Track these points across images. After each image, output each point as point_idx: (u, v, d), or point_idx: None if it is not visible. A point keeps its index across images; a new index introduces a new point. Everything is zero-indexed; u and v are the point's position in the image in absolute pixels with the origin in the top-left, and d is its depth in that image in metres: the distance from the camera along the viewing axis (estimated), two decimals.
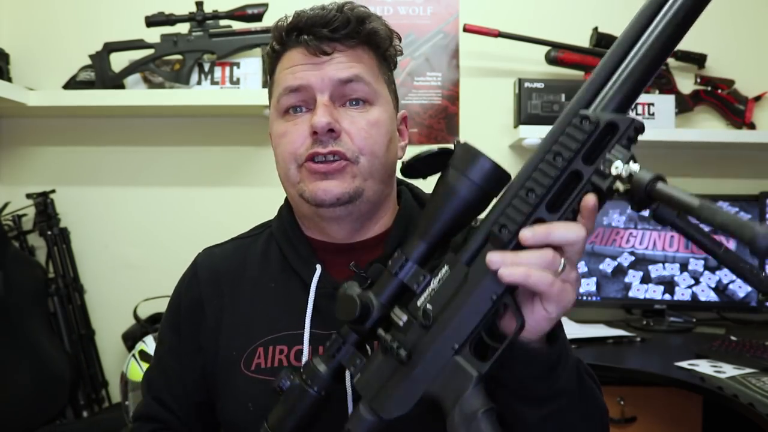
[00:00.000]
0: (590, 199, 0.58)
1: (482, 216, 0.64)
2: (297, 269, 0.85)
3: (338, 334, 0.69)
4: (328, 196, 0.78)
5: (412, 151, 0.66)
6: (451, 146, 0.64)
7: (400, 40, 0.87)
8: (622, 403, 1.59)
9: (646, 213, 0.57)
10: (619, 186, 0.57)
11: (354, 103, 0.80)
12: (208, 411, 0.91)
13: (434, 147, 0.65)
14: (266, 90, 1.88)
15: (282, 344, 0.83)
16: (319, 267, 0.84)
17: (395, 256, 0.66)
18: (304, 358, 0.80)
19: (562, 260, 0.59)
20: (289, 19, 0.83)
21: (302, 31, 0.80)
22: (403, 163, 0.66)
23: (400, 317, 0.64)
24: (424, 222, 0.65)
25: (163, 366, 0.92)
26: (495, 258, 0.59)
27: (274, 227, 0.92)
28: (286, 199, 0.94)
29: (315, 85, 0.79)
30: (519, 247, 0.59)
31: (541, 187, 0.59)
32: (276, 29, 0.84)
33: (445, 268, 0.63)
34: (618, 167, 0.57)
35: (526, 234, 0.58)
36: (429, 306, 0.63)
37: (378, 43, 0.83)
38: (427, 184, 0.94)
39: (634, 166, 0.56)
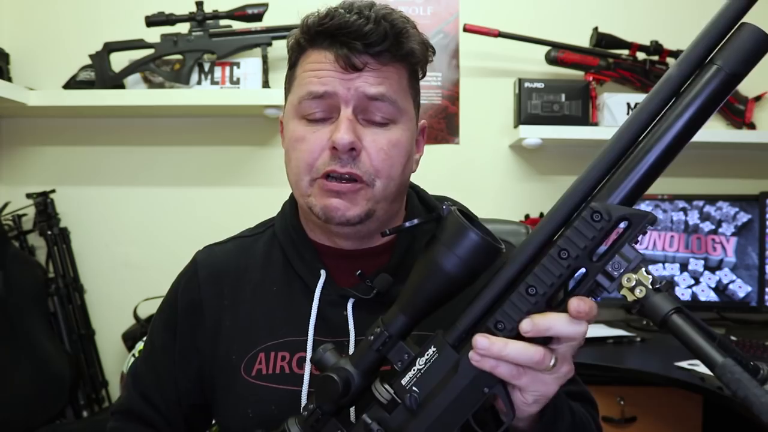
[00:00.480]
0: (584, 306, 0.55)
1: (473, 292, 0.61)
2: (301, 274, 0.83)
3: (316, 406, 0.65)
4: (338, 215, 0.76)
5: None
6: (440, 212, 0.61)
7: (434, 51, 0.83)
8: (622, 403, 1.59)
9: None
10: (626, 294, 0.54)
11: (378, 121, 0.77)
12: (197, 414, 0.89)
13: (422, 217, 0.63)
14: (266, 90, 1.90)
15: (284, 351, 0.81)
16: (323, 273, 0.82)
17: (376, 327, 0.63)
18: (307, 366, 0.79)
19: (554, 358, 0.57)
20: (320, 13, 0.77)
21: (334, 38, 0.75)
22: (388, 231, 0.65)
23: (383, 394, 0.62)
24: (407, 295, 0.62)
25: (153, 362, 0.90)
26: (480, 343, 0.57)
27: (278, 228, 0.89)
28: (291, 200, 0.91)
29: (341, 95, 0.75)
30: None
31: (544, 285, 0.56)
32: (305, 24, 0.78)
33: (433, 349, 0.61)
34: (631, 280, 0.54)
35: (526, 326, 0.56)
36: (415, 389, 0.60)
37: (411, 61, 0.80)
38: (431, 185, 0.95)
39: (647, 284, 0.53)
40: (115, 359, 2.05)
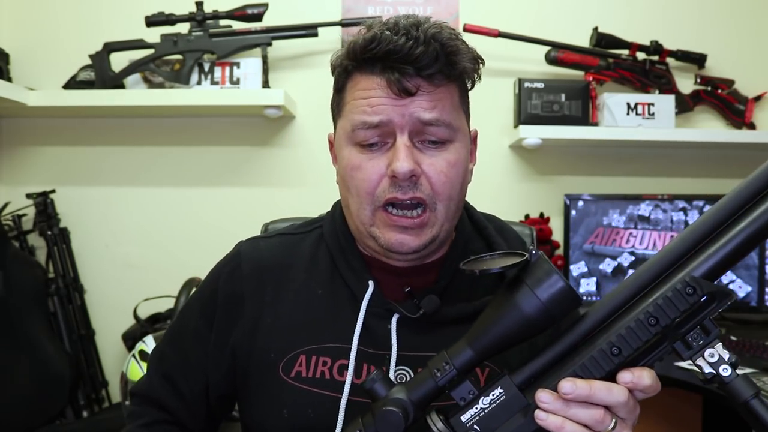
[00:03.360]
0: (646, 379, 0.57)
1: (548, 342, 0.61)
2: (348, 282, 0.83)
3: None
4: (404, 248, 0.76)
5: None
6: (525, 254, 0.60)
7: (483, 62, 0.83)
8: None
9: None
10: (704, 365, 0.57)
11: (432, 142, 0.76)
12: (221, 405, 0.88)
13: (507, 259, 0.61)
14: (266, 90, 1.90)
15: (325, 356, 0.80)
16: (371, 284, 0.81)
17: (438, 358, 0.62)
18: (349, 375, 0.78)
19: (613, 420, 0.58)
20: (366, 35, 0.75)
21: (384, 63, 0.74)
22: (477, 272, 0.61)
23: (439, 428, 0.60)
24: (479, 331, 0.61)
25: (183, 348, 0.87)
26: (544, 398, 0.57)
27: (327, 232, 0.88)
28: (340, 204, 0.88)
29: (396, 123, 0.74)
30: None
31: (629, 348, 0.57)
32: (352, 49, 0.76)
33: (500, 390, 0.60)
34: (714, 356, 0.56)
35: (566, 387, 0.56)
36: (477, 428, 0.60)
37: (464, 79, 0.80)
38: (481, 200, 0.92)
39: (726, 360, 0.56)
40: (115, 359, 2.05)
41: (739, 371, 0.56)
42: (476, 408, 0.60)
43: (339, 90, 0.81)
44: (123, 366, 1.75)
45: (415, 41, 0.73)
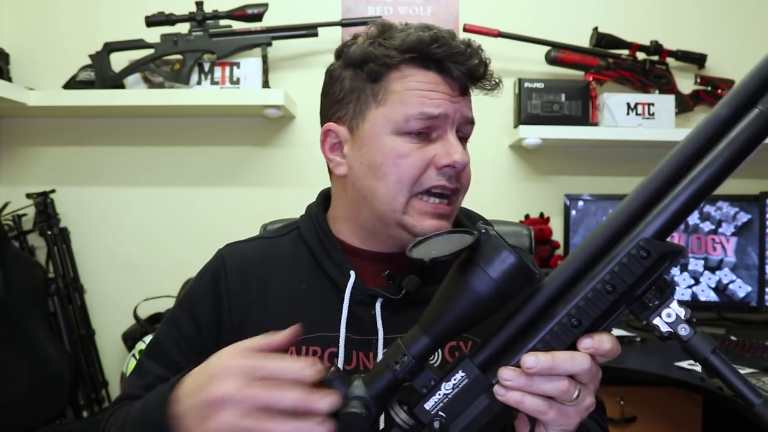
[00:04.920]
0: (606, 343, 0.57)
1: (506, 317, 0.60)
2: (330, 274, 0.85)
3: None
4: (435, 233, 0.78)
5: None
6: (474, 232, 0.58)
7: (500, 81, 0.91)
8: (622, 403, 1.59)
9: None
10: (659, 326, 0.56)
11: (461, 139, 0.84)
12: None
13: (456, 241, 0.59)
14: (266, 90, 1.90)
15: (315, 345, 0.82)
16: (353, 273, 0.84)
17: (395, 349, 0.61)
18: (340, 361, 0.80)
19: (578, 388, 0.57)
20: (427, 34, 0.80)
21: (443, 63, 0.80)
22: (427, 261, 0.59)
23: (405, 420, 0.59)
24: (432, 315, 0.59)
25: (171, 357, 0.86)
26: (507, 375, 0.57)
27: (304, 230, 0.91)
28: (318, 201, 0.94)
29: (451, 117, 0.81)
30: None
31: (588, 318, 0.57)
32: (408, 42, 0.80)
33: (461, 374, 0.59)
34: (671, 315, 0.56)
35: (529, 362, 0.56)
36: (442, 414, 0.58)
37: (490, 90, 0.88)
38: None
39: (683, 317, 0.55)
40: (115, 359, 2.05)
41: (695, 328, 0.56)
42: (439, 394, 0.59)
43: (376, 80, 0.82)
44: (123, 366, 1.75)
45: (470, 49, 0.82)
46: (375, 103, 0.82)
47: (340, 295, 0.84)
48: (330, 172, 0.91)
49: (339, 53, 0.87)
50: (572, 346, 0.57)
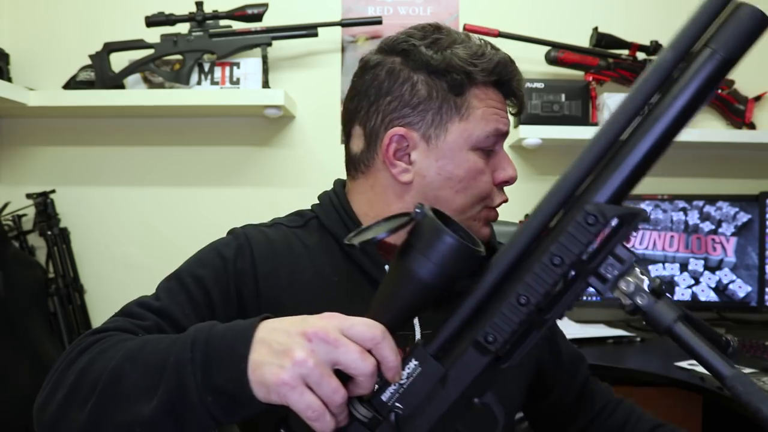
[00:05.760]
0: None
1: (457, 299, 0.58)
2: (364, 267, 0.84)
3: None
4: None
5: None
6: (410, 214, 0.57)
7: None
8: None
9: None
10: (622, 298, 0.52)
11: None
12: None
13: (388, 224, 0.57)
14: (266, 90, 1.90)
15: None
16: (387, 268, 0.83)
17: None
18: None
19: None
20: (499, 56, 0.85)
21: (509, 84, 0.85)
22: (357, 245, 0.59)
23: (362, 413, 0.56)
24: (378, 305, 0.58)
25: (181, 304, 0.79)
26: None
27: (328, 221, 0.88)
28: (340, 193, 0.91)
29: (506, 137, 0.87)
30: (507, 354, 0.56)
31: (537, 294, 0.53)
32: (490, 64, 0.83)
33: (414, 362, 0.57)
34: (629, 285, 0.52)
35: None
36: (399, 405, 0.56)
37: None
38: None
39: (645, 287, 0.51)
40: None
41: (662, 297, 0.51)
42: (395, 384, 0.57)
43: (459, 93, 0.82)
44: None
45: (518, 73, 0.87)
46: (458, 116, 0.82)
47: (373, 289, 0.82)
48: (356, 170, 0.89)
49: (396, 50, 0.84)
50: (526, 326, 0.55)
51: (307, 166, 2.08)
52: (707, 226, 1.93)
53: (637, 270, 0.52)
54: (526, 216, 1.97)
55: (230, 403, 0.56)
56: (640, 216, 0.52)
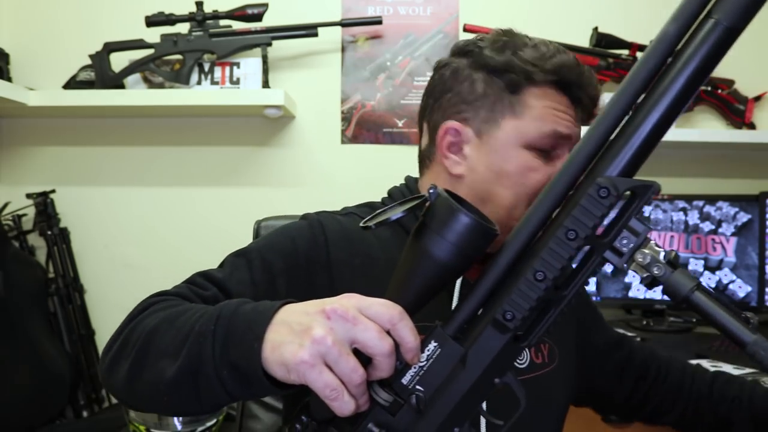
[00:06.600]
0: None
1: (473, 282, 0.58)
2: None
3: (309, 419, 0.60)
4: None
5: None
6: (425, 195, 0.57)
7: None
8: None
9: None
10: (638, 270, 0.53)
11: None
12: None
13: (403, 206, 0.57)
14: (266, 90, 1.90)
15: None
16: None
17: None
18: None
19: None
20: (568, 58, 0.83)
21: (577, 90, 0.84)
22: (372, 226, 0.59)
23: (383, 396, 0.56)
24: (395, 287, 0.58)
25: (242, 283, 0.79)
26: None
27: (405, 218, 0.89)
28: (411, 188, 0.93)
29: (573, 141, 0.83)
30: (526, 333, 0.56)
31: (553, 269, 0.54)
32: (555, 65, 0.82)
33: (434, 344, 0.57)
34: (645, 257, 0.52)
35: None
36: (420, 388, 0.57)
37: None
38: None
39: (662, 259, 0.52)
40: None
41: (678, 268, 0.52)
42: (415, 367, 0.57)
43: (514, 91, 0.83)
44: None
45: (594, 81, 0.85)
46: (512, 113, 0.83)
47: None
48: (423, 165, 0.92)
49: (463, 52, 0.87)
50: (544, 303, 0.55)
51: (307, 166, 2.08)
52: (707, 226, 1.93)
53: (652, 242, 0.53)
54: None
55: (243, 380, 0.57)
56: (652, 188, 0.53)
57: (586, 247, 0.55)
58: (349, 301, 0.55)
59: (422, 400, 0.56)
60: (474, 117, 0.85)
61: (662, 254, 0.52)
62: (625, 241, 0.53)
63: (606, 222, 0.54)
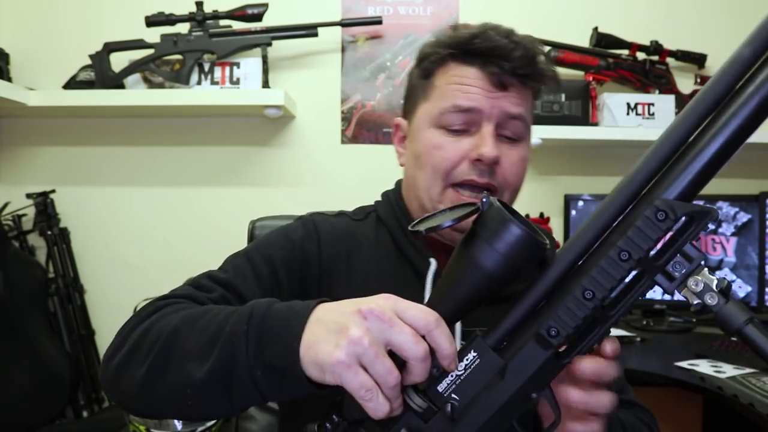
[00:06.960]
0: (609, 347, 0.58)
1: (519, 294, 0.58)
2: (412, 260, 0.87)
3: (341, 419, 0.59)
4: (468, 225, 0.77)
5: None
6: (478, 204, 0.56)
7: (559, 81, 0.91)
8: None
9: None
10: (689, 296, 0.51)
11: (508, 137, 0.84)
12: None
13: (454, 213, 0.57)
14: (266, 90, 1.90)
15: None
16: (433, 261, 0.85)
17: None
18: None
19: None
20: (470, 30, 0.84)
21: (485, 57, 0.82)
22: (422, 231, 0.58)
23: (417, 402, 0.56)
24: (438, 294, 0.57)
25: (246, 278, 0.81)
26: (588, 368, 0.58)
27: (385, 216, 0.93)
28: (396, 190, 0.96)
29: (485, 112, 0.82)
30: (567, 350, 0.56)
31: (603, 290, 0.52)
32: (454, 39, 0.84)
33: (473, 354, 0.56)
34: (699, 284, 0.51)
35: (587, 369, 0.58)
36: (455, 396, 0.56)
37: (540, 88, 0.87)
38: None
39: (714, 287, 0.51)
40: None
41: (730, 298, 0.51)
42: (452, 375, 0.56)
43: (426, 76, 0.87)
44: None
45: (515, 44, 0.81)
46: (424, 97, 0.87)
47: (420, 281, 0.85)
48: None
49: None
50: (588, 322, 0.55)
51: (307, 166, 2.08)
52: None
53: (706, 270, 0.52)
54: (527, 216, 1.96)
55: (278, 381, 0.56)
56: (711, 215, 0.51)
57: (637, 268, 0.54)
58: (386, 303, 0.54)
59: (456, 409, 0.56)
60: (409, 110, 0.91)
61: (715, 282, 0.51)
62: (678, 266, 0.52)
63: (660, 245, 0.53)
